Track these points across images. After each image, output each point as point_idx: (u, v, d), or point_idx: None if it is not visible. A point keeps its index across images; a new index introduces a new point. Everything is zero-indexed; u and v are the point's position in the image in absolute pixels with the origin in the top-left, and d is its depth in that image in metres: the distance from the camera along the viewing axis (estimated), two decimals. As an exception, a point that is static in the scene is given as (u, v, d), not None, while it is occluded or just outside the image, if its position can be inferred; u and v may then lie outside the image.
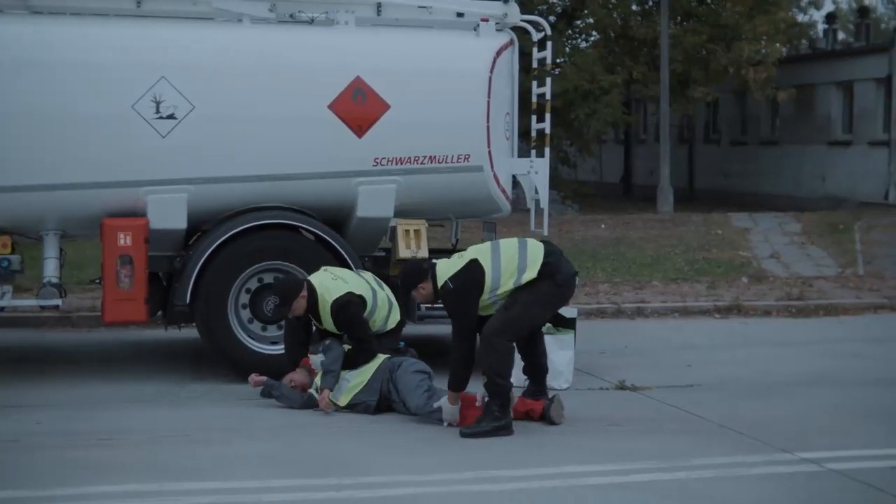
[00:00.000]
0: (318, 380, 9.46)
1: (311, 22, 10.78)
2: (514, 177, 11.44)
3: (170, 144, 10.25)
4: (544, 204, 11.48)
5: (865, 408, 9.75)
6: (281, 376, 9.79)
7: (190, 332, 11.97)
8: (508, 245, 8.91)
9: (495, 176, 10.98)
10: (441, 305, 10.54)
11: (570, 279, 8.99)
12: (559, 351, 10.16)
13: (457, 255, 9.15)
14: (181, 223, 10.40)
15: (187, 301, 10.32)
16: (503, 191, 11.13)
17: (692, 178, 36.42)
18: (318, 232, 10.56)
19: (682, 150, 36.26)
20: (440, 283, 8.86)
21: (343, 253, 10.50)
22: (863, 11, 37.96)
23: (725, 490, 7.32)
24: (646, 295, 16.01)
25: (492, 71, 10.89)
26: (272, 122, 10.48)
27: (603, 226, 22.81)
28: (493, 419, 8.73)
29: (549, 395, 9.20)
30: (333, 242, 10.53)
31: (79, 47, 10.26)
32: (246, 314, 10.58)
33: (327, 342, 9.55)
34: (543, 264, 8.77)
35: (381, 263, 10.94)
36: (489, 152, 10.86)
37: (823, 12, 43.00)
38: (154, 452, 8.11)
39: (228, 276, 10.40)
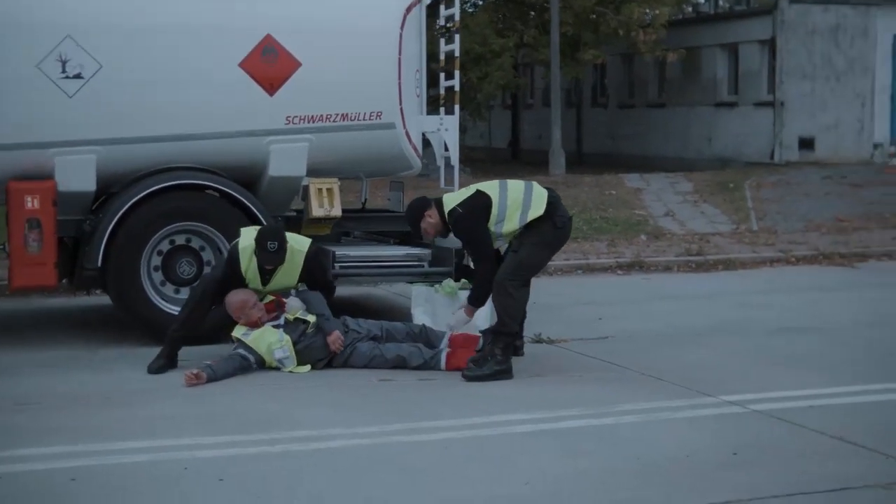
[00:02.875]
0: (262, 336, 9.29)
1: (219, -21, 10.62)
2: (423, 134, 11.46)
3: (77, 105, 10.00)
4: (455, 161, 11.53)
5: (775, 354, 9.98)
6: (193, 340, 9.62)
7: (94, 299, 11.79)
8: (515, 183, 9.14)
9: (407, 133, 10.96)
10: (357, 264, 10.62)
11: (567, 222, 9.20)
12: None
13: (464, 188, 9.31)
14: (90, 185, 10.18)
15: (98, 264, 10.12)
16: (414, 148, 11.12)
17: (580, 141, 36.74)
18: (229, 191, 10.43)
19: (571, 113, 36.55)
20: (447, 209, 9.04)
21: (256, 213, 10.39)
22: (743, -25, 38.51)
23: (657, 433, 7.44)
24: (548, 253, 16.12)
25: (402, 28, 10.84)
26: (182, 82, 10.31)
27: (498, 188, 22.83)
28: (496, 363, 8.91)
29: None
30: (246, 202, 10.40)
31: (-21, 6, 9.97)
32: (158, 276, 10.41)
33: (293, 291, 9.50)
34: (547, 204, 8.95)
35: (294, 223, 10.87)
36: (401, 109, 10.83)
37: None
38: (77, 415, 7.94)
39: (140, 238, 10.19)
